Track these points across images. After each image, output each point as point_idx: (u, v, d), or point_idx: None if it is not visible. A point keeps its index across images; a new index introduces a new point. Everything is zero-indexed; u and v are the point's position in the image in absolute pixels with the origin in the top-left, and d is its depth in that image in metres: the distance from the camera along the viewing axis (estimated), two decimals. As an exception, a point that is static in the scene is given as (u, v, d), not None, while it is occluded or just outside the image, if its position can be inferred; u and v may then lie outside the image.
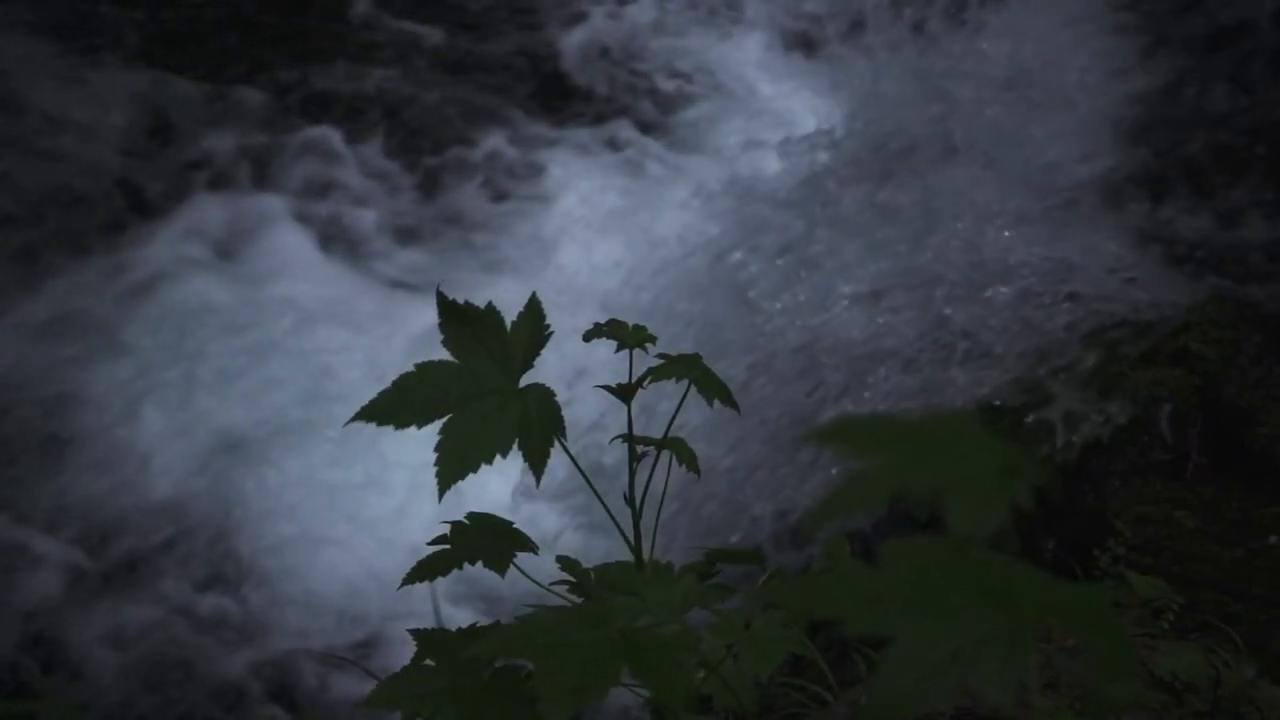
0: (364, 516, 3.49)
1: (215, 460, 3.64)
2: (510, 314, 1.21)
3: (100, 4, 5.07)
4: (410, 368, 1.15)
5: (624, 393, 1.28)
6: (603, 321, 1.28)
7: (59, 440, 3.69)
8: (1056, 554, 2.27)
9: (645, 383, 1.27)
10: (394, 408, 1.13)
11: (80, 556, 3.46)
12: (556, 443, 1.15)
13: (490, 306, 1.16)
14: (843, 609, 0.54)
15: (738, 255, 3.65)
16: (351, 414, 1.14)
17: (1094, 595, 0.57)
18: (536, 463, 1.12)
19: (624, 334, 1.27)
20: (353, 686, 3.13)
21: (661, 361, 1.27)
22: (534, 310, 1.18)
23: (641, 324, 1.29)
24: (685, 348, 1.38)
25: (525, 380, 1.17)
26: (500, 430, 1.12)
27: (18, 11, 5.00)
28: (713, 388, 1.26)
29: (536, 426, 1.13)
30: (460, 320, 1.16)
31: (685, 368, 1.26)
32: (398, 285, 4.18)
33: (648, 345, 1.28)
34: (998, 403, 2.78)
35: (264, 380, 3.81)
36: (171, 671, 3.23)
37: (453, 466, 1.10)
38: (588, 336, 1.28)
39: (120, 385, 3.82)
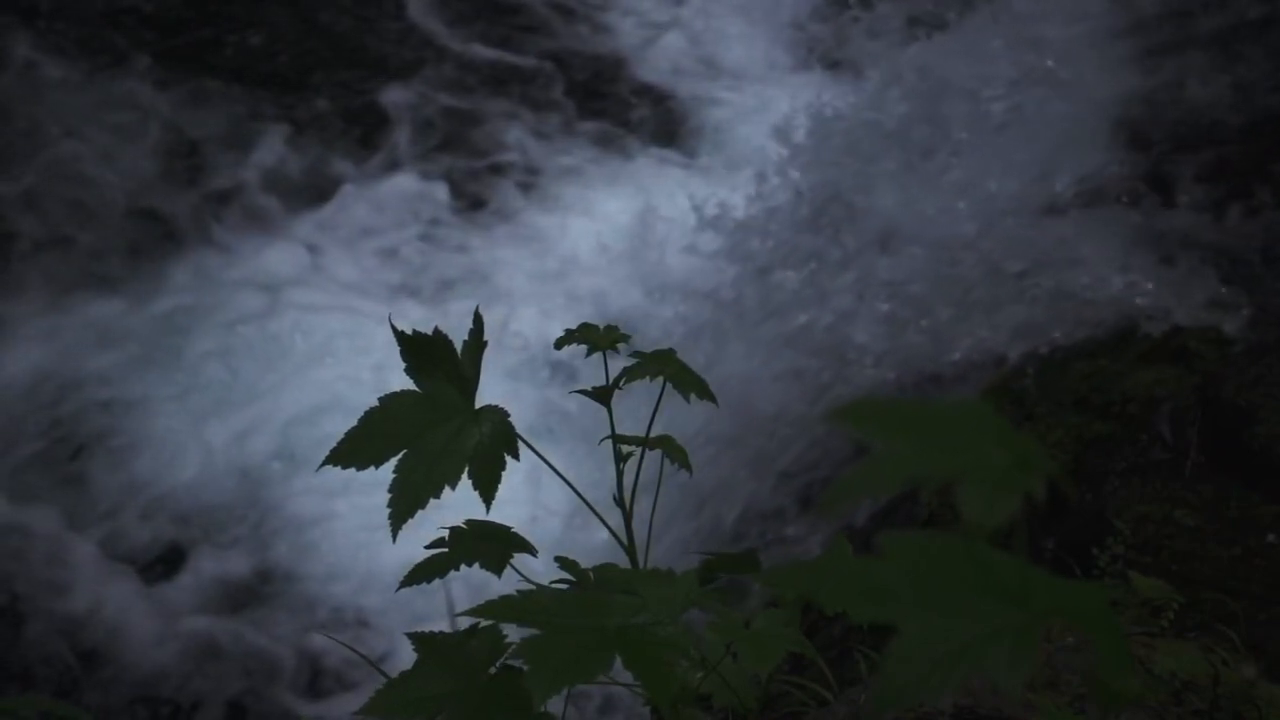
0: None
1: (250, 459, 3.76)
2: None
3: (121, 23, 5.07)
4: (375, 402, 1.13)
5: (601, 395, 1.28)
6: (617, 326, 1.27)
7: (98, 442, 3.77)
8: (1056, 553, 2.27)
9: (621, 383, 1.27)
10: (360, 446, 1.11)
11: (115, 547, 3.56)
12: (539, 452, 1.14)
13: (437, 331, 1.14)
14: (846, 599, 0.54)
15: (762, 253, 3.69)
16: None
17: (1096, 594, 0.57)
18: (484, 489, 1.10)
19: (595, 337, 1.27)
20: (369, 680, 3.17)
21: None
22: (478, 326, 1.17)
23: (613, 325, 1.29)
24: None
25: (482, 398, 1.15)
26: (453, 459, 1.10)
27: (41, 33, 5.00)
28: (689, 383, 1.26)
29: (487, 451, 1.10)
30: (416, 348, 1.14)
31: (660, 365, 1.26)
32: (428, 295, 4.21)
33: (620, 345, 1.28)
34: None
35: (298, 386, 3.87)
36: (198, 656, 3.30)
37: (405, 504, 1.08)
38: (559, 344, 1.28)
39: (158, 394, 3.89)
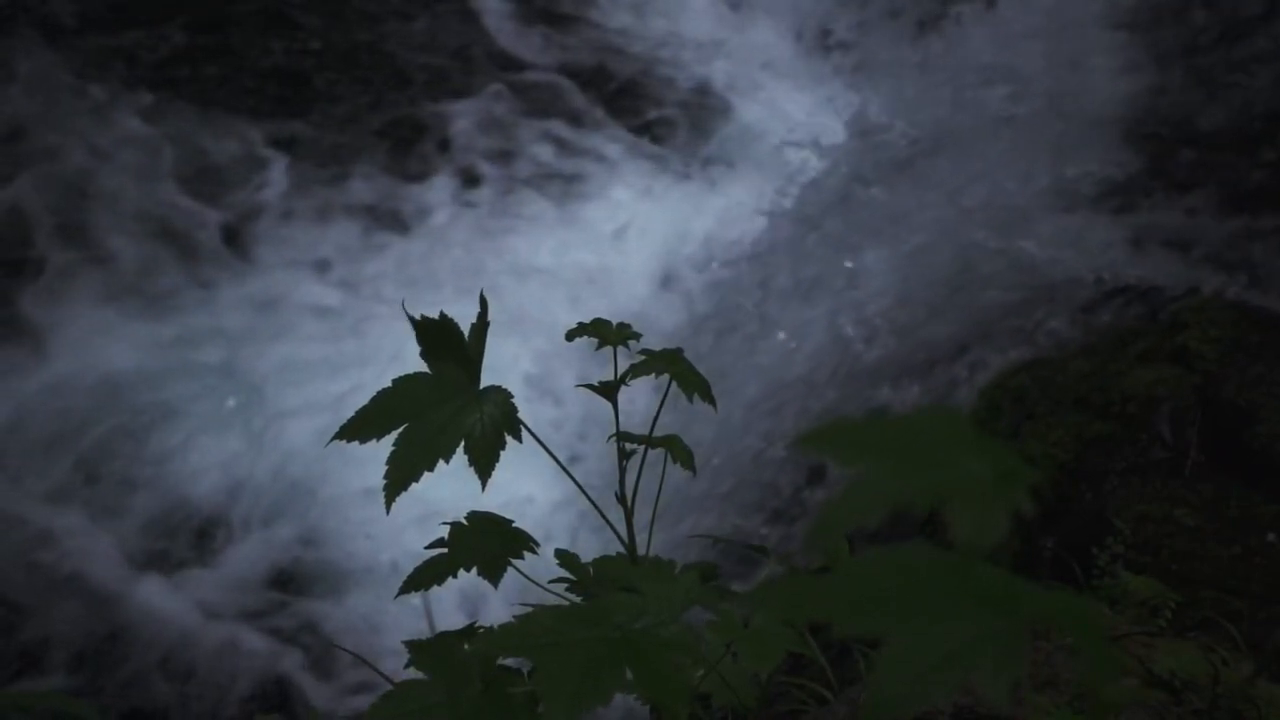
0: (411, 513, 3.56)
1: (277, 461, 3.79)
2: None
3: (144, 37, 5.07)
4: (387, 382, 1.15)
5: (606, 391, 1.29)
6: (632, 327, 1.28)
7: (124, 445, 3.83)
8: (1056, 553, 2.27)
9: (627, 379, 1.27)
10: (368, 423, 1.12)
11: (139, 544, 3.61)
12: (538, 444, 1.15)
13: (443, 315, 1.16)
14: (834, 613, 0.54)
15: (778, 253, 3.72)
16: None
17: (1083, 601, 0.58)
18: (481, 467, 1.10)
19: (606, 332, 1.28)
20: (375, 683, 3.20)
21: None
22: (483, 309, 1.18)
23: (625, 322, 1.30)
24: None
25: (487, 380, 1.16)
26: (451, 435, 1.11)
27: (61, 49, 5.00)
28: (692, 383, 1.26)
29: (487, 429, 1.11)
30: (429, 332, 1.15)
31: (665, 363, 1.27)
32: (458, 298, 4.22)
33: (630, 342, 1.28)
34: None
35: (327, 393, 3.89)
36: (218, 649, 3.34)
37: (400, 475, 1.09)
38: (570, 335, 1.29)
39: (186, 400, 3.93)
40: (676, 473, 1.31)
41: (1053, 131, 3.64)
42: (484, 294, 1.19)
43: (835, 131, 4.24)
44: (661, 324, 3.92)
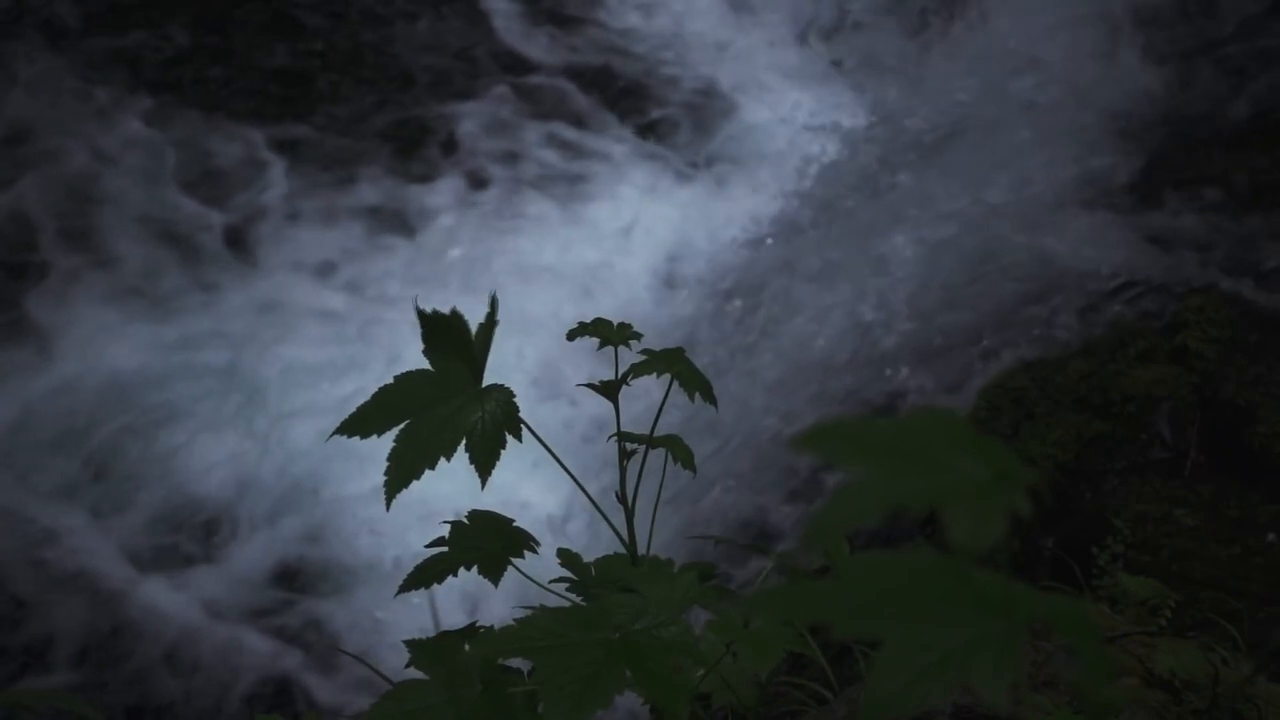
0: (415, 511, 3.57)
1: (284, 462, 3.79)
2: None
3: (147, 42, 5.07)
4: (390, 379, 1.15)
5: (607, 390, 1.29)
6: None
7: (127, 446, 3.83)
8: (1055, 553, 2.28)
9: (629, 379, 1.28)
10: (369, 418, 1.13)
11: (142, 543, 3.62)
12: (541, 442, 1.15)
13: (454, 311, 1.15)
14: (833, 616, 0.54)
15: (782, 253, 3.72)
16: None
17: (1079, 604, 0.58)
18: (482, 465, 1.10)
19: (607, 331, 1.28)
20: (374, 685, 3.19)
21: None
22: (492, 308, 1.17)
23: (627, 322, 1.30)
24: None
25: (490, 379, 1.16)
26: (452, 433, 1.10)
27: (64, 52, 5.00)
28: (694, 382, 1.26)
29: (488, 428, 1.11)
30: (436, 328, 1.15)
31: (667, 363, 1.27)
32: (466, 299, 4.21)
33: (631, 342, 1.29)
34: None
35: (331, 393, 3.89)
36: (215, 651, 3.33)
37: (401, 472, 1.09)
38: (571, 335, 1.29)
39: (192, 403, 3.92)
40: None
41: (1077, 122, 3.63)
42: (494, 295, 1.19)
43: (855, 119, 4.24)
44: (674, 316, 3.91)
